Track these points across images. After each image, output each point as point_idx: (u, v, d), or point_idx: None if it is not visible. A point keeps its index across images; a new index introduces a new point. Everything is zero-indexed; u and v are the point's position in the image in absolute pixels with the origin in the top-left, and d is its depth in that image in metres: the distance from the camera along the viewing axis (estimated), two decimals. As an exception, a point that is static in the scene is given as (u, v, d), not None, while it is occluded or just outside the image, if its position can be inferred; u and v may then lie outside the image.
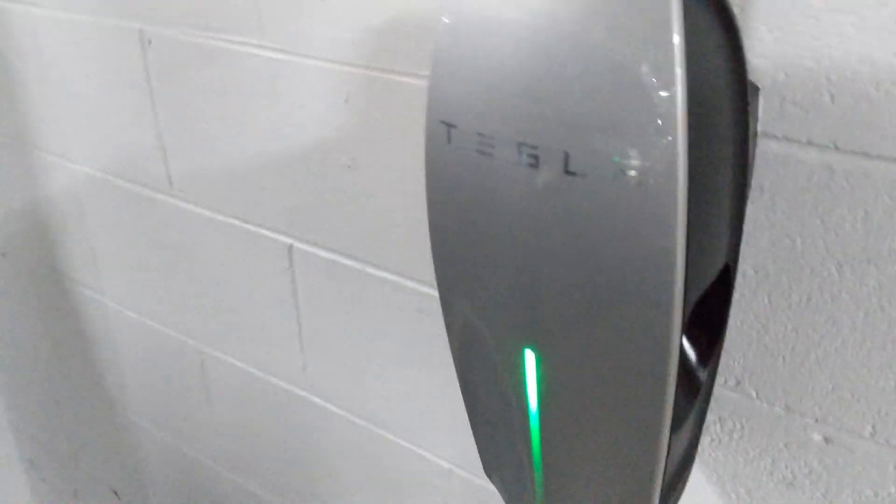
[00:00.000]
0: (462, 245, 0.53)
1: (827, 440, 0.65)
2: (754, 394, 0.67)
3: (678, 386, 0.51)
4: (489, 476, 0.66)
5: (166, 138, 1.07)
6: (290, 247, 0.99)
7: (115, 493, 1.75)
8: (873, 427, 0.62)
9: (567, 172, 0.45)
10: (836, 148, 0.56)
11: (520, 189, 0.48)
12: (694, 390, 0.56)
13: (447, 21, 0.50)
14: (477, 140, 0.49)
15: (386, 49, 0.77)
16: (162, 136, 1.07)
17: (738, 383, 0.68)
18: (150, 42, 1.00)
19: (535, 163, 0.46)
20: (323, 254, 0.95)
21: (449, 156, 0.51)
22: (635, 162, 0.44)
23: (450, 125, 0.50)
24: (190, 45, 0.96)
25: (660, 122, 0.43)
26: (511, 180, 0.48)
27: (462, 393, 0.62)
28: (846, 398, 0.63)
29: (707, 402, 0.60)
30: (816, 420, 0.65)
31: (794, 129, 0.57)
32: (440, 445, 0.97)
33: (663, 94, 0.43)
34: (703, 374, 0.56)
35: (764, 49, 0.56)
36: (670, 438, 0.53)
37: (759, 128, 0.59)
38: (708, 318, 0.55)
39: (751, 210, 0.61)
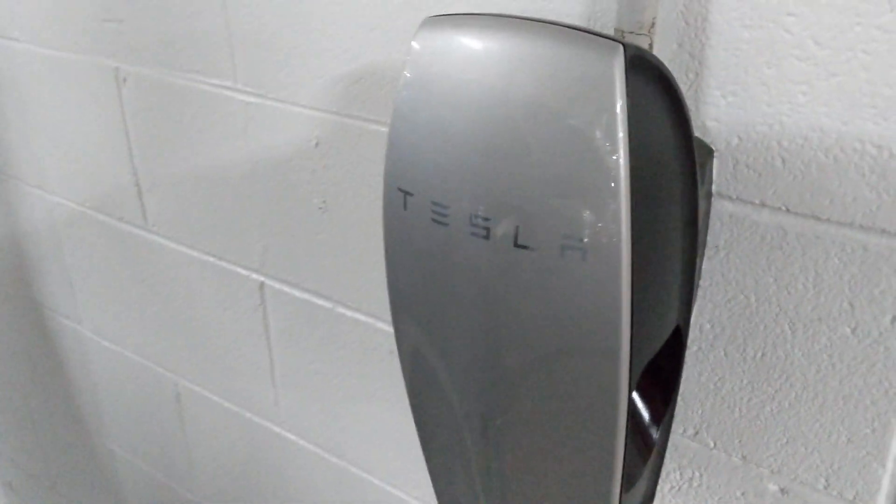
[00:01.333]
0: (418, 307, 0.54)
1: (783, 491, 0.66)
2: (712, 443, 0.68)
3: (630, 444, 0.52)
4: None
5: (141, 174, 1.07)
6: (262, 284, 0.99)
7: (92, 517, 1.75)
8: (826, 480, 0.63)
9: (517, 245, 0.46)
10: (788, 210, 0.57)
11: (472, 259, 0.49)
12: (647, 448, 0.57)
13: (409, 76, 0.51)
14: (431, 208, 0.49)
15: (356, 96, 0.78)
16: (137, 173, 1.07)
17: (697, 433, 0.69)
18: (125, 80, 1.01)
19: (486, 234, 0.47)
20: (295, 293, 0.96)
21: (405, 222, 0.52)
22: (582, 229, 0.45)
23: (406, 192, 0.51)
24: (165, 85, 0.96)
25: (604, 184, 0.44)
26: (464, 250, 0.49)
27: (422, 448, 0.63)
28: (800, 451, 0.64)
29: (662, 457, 0.61)
30: (772, 471, 0.66)
31: (747, 191, 0.58)
32: (411, 483, 0.98)
33: (608, 157, 0.44)
34: (655, 433, 0.57)
35: (718, 113, 0.58)
36: (622, 495, 0.54)
37: (714, 188, 0.60)
38: (660, 378, 0.56)
39: (707, 266, 0.62)
